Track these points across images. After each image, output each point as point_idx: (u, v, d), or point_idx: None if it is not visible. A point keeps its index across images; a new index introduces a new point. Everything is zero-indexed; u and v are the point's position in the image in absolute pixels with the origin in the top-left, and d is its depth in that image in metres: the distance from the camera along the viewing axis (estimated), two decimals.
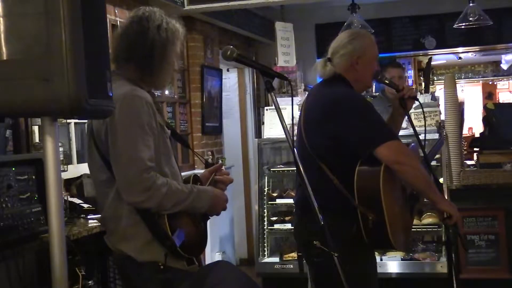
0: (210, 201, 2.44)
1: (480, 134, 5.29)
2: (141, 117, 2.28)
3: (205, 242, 2.53)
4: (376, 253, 4.87)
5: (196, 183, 2.53)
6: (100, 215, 2.56)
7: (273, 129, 5.41)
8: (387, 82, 3.13)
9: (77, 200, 3.82)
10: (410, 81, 8.25)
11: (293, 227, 3.38)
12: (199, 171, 5.05)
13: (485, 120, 5.16)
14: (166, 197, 2.28)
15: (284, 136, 2.27)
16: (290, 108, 2.88)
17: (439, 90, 10.01)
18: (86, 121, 4.32)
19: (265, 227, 5.39)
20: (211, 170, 2.66)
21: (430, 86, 9.78)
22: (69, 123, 4.21)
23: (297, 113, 3.47)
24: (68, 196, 3.84)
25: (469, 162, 5.52)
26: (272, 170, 5.46)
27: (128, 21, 2.47)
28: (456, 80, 5.39)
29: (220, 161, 2.79)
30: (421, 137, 3.03)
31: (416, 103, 3.14)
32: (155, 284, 2.33)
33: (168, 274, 2.33)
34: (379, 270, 4.77)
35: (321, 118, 2.84)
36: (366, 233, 2.70)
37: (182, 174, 2.58)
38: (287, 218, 5.32)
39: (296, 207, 3.02)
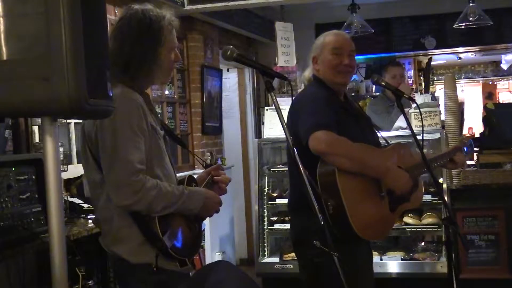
0: (202, 202, 2.41)
1: (480, 134, 5.28)
2: (130, 119, 2.26)
3: (199, 244, 2.51)
4: (376, 253, 4.93)
5: (191, 184, 2.52)
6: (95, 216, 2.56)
7: (273, 129, 5.40)
8: (383, 84, 3.15)
9: (77, 200, 3.82)
10: (410, 81, 8.25)
11: None
12: (199, 171, 5.03)
13: (485, 120, 5.17)
14: (156, 200, 2.25)
15: (284, 136, 2.28)
16: None
17: (439, 90, 10.00)
18: None
19: (265, 227, 5.38)
20: (208, 171, 2.64)
21: (430, 86, 9.77)
22: (69, 123, 4.22)
23: None
24: (68, 196, 3.85)
25: (469, 162, 5.51)
26: (272, 170, 5.45)
27: (116, 23, 2.45)
28: (456, 80, 5.40)
29: (220, 162, 2.76)
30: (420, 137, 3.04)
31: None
32: (149, 286, 2.32)
33: (162, 276, 2.32)
34: (379, 270, 4.82)
35: (289, 118, 2.97)
36: (331, 220, 2.74)
37: (181, 174, 2.57)
38: (287, 218, 5.31)
39: (288, 208, 3.13)
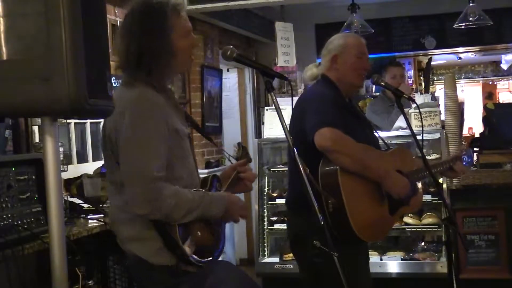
0: (224, 208, 2.34)
1: (480, 134, 5.29)
2: (148, 124, 2.19)
3: (222, 247, 2.42)
4: (376, 253, 4.93)
5: (213, 184, 2.45)
6: (101, 215, 2.53)
7: (273, 129, 5.40)
8: (383, 84, 3.16)
9: (77, 200, 3.82)
10: (410, 81, 8.25)
11: None
12: (200, 171, 4.99)
13: (485, 120, 5.17)
14: (174, 209, 2.17)
15: (284, 136, 2.28)
16: (290, 108, 2.90)
17: (439, 90, 10.01)
18: (86, 121, 4.34)
19: (265, 227, 5.39)
20: (233, 166, 2.57)
21: (430, 86, 9.78)
22: (69, 123, 4.22)
23: None
24: (68, 196, 3.84)
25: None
26: (272, 170, 5.46)
27: (122, 21, 2.38)
28: (456, 80, 5.39)
29: (248, 155, 2.67)
30: (420, 137, 3.04)
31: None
32: (167, 287, 2.29)
33: (183, 277, 2.28)
34: (379, 270, 4.82)
35: (293, 116, 2.98)
36: (330, 218, 2.74)
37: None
38: (287, 218, 5.32)
39: (286, 207, 3.16)
